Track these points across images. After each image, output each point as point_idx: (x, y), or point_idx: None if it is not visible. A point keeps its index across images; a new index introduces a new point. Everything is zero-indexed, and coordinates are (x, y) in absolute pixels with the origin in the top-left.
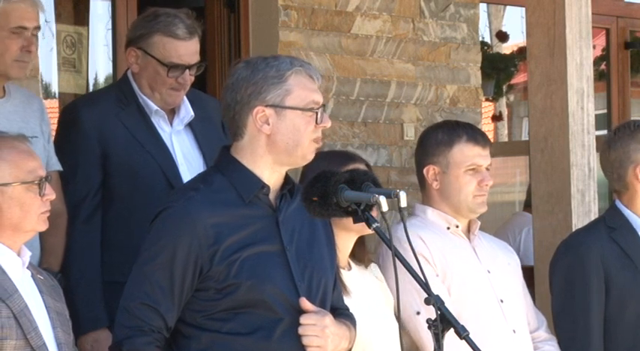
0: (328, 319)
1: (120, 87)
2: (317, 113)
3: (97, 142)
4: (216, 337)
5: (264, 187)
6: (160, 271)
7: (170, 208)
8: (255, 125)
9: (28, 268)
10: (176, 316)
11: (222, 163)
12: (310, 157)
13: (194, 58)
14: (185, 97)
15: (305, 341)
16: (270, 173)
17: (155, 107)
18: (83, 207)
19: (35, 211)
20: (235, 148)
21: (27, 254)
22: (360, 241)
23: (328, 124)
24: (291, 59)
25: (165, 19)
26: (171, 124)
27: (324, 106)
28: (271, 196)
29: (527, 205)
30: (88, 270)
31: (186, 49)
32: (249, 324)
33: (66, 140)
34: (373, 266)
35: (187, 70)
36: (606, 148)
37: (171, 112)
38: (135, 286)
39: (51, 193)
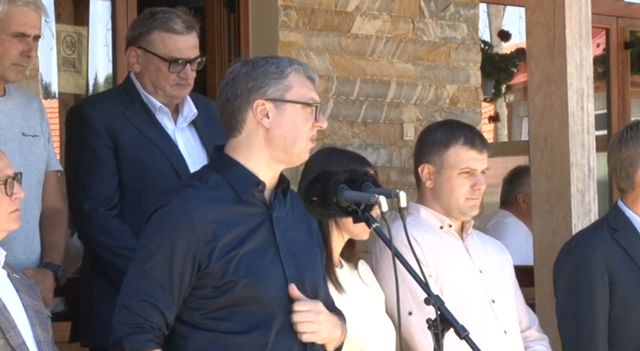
0: (321, 305)
1: (123, 88)
2: (316, 107)
3: (109, 138)
4: (214, 336)
5: (259, 183)
6: (159, 269)
7: (167, 206)
8: (255, 118)
9: (3, 267)
10: (175, 313)
11: (217, 161)
12: (305, 156)
13: (194, 52)
14: (188, 97)
15: (300, 328)
16: (266, 170)
17: (159, 104)
18: (116, 200)
19: (4, 210)
20: (231, 145)
21: (1, 254)
22: (350, 242)
23: (325, 124)
24: (290, 59)
25: (162, 15)
26: (175, 123)
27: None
28: (266, 193)
29: (503, 203)
30: None
31: (186, 43)
32: (246, 322)
33: (79, 140)
34: (360, 265)
35: (188, 65)
36: (617, 145)
37: (175, 111)
38: (134, 283)
39: (19, 192)
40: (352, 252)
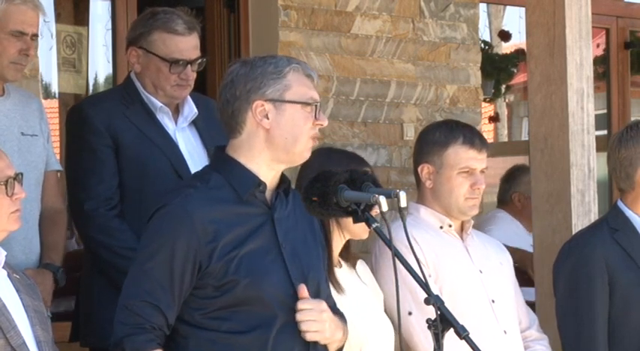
0: (324, 304)
1: (124, 88)
2: (316, 106)
3: (110, 137)
4: (215, 336)
5: (260, 184)
6: (160, 269)
7: (168, 206)
8: (255, 119)
9: (3, 267)
10: (176, 313)
11: (218, 162)
12: (307, 155)
13: (195, 53)
14: (189, 97)
15: (304, 327)
16: (267, 170)
17: (159, 104)
18: (116, 200)
19: (5, 211)
20: (232, 146)
21: (2, 254)
22: (346, 242)
23: (325, 122)
24: (288, 58)
25: (163, 16)
26: (175, 123)
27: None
28: (267, 194)
29: (500, 202)
30: None
31: (187, 44)
32: (247, 322)
33: (79, 140)
34: (358, 265)
35: (189, 66)
36: (617, 145)
37: (176, 111)
38: (134, 284)
39: (20, 192)
40: (348, 251)
